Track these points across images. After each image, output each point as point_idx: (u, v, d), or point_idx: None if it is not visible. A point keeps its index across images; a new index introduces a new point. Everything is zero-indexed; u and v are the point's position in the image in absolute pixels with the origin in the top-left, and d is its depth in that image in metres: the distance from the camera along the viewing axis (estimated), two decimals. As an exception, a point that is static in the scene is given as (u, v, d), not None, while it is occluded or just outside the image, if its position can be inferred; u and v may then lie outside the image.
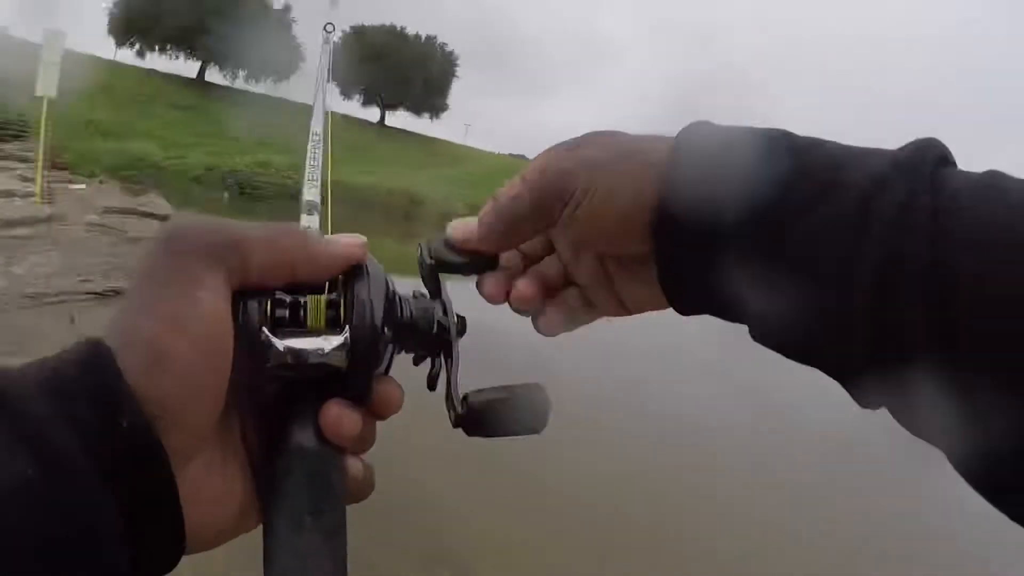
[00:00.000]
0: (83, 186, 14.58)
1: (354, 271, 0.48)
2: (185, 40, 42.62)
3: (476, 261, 0.56)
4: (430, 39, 51.62)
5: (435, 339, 0.52)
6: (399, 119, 52.47)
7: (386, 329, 0.47)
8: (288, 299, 0.46)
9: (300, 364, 0.44)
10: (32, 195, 11.64)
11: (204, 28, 40.44)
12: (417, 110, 51.39)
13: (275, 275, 0.45)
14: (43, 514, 0.33)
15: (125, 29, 43.61)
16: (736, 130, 0.48)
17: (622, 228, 0.49)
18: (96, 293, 7.53)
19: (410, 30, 51.38)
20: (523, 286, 0.57)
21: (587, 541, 4.69)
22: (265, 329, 0.44)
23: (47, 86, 11.32)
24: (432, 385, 0.52)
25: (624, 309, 0.58)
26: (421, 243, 0.56)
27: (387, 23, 51.32)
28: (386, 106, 50.54)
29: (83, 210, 11.60)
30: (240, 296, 0.44)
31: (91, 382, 0.37)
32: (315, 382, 0.45)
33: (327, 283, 0.48)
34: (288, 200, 25.94)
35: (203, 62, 44.65)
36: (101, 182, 16.86)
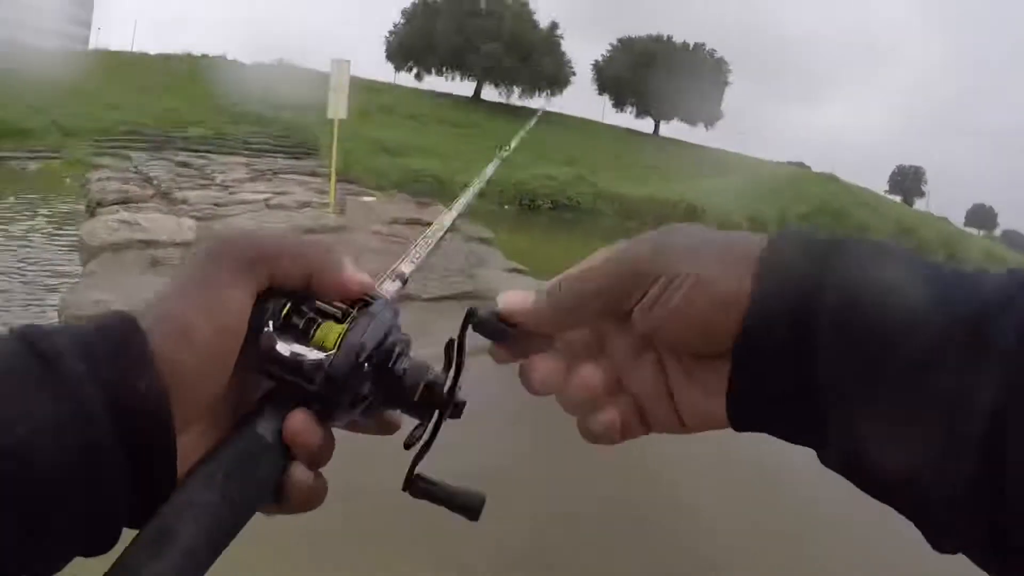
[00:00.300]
0: (373, 198, 15.30)
1: (366, 305, 0.51)
2: (459, 61, 44.69)
3: (523, 337, 0.53)
4: (698, 46, 50.44)
5: (416, 405, 0.52)
6: (673, 129, 51.48)
7: (365, 366, 0.49)
8: (308, 314, 0.49)
9: (279, 363, 0.48)
10: (326, 206, 12.31)
11: (476, 49, 42.07)
12: (690, 119, 50.16)
13: (296, 284, 0.50)
14: (63, 451, 0.38)
15: (402, 54, 46.80)
16: (859, 244, 0.44)
17: (707, 324, 0.46)
18: None
19: (677, 38, 50.66)
20: (589, 374, 0.52)
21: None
22: (270, 327, 0.48)
23: (337, 109, 11.98)
24: (406, 445, 0.52)
25: (682, 425, 0.52)
26: (470, 308, 0.54)
27: (652, 32, 50.90)
28: (659, 117, 49.75)
29: (372, 220, 12.17)
30: (267, 296, 0.49)
31: (118, 343, 0.42)
32: (295, 388, 0.48)
33: (354, 306, 0.51)
34: (567, 211, 26.37)
35: (478, 81, 46.47)
36: (390, 194, 17.76)
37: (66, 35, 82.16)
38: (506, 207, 25.14)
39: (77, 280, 8.06)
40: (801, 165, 50.96)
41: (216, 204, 12.04)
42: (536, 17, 47.06)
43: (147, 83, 32.78)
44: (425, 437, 0.52)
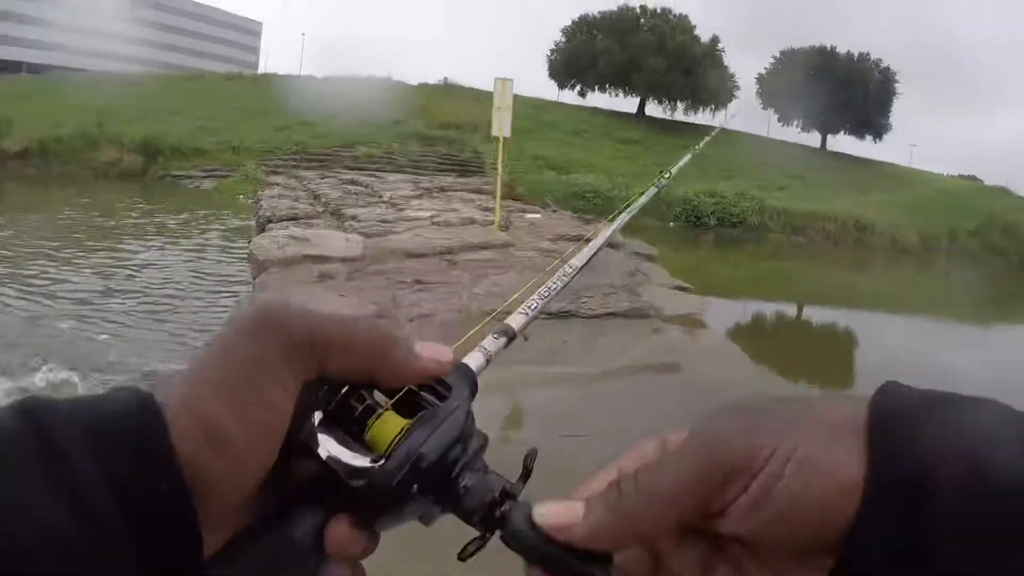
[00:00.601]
0: (537, 215, 15.05)
1: (441, 397, 0.47)
2: (622, 78, 44.38)
3: (577, 559, 0.42)
4: (863, 57, 48.14)
5: (476, 523, 0.46)
6: (840, 142, 49.55)
7: (415, 486, 0.44)
8: (368, 400, 0.46)
9: (321, 464, 0.44)
10: (491, 223, 12.13)
11: (638, 66, 41.47)
12: (858, 132, 48.08)
13: (351, 375, 0.45)
14: (66, 557, 0.33)
15: (565, 72, 47.14)
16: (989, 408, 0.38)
17: (821, 518, 0.37)
18: (549, 313, 7.42)
19: (840, 49, 48.59)
20: None
21: None
22: (316, 419, 0.45)
23: (502, 127, 11.89)
24: (461, 558, 0.47)
25: None
26: (509, 508, 0.45)
27: (815, 44, 49.09)
28: (825, 130, 47.85)
29: (536, 237, 11.92)
30: (317, 383, 0.45)
31: (136, 438, 0.37)
32: (339, 486, 0.44)
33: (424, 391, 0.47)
34: (732, 228, 25.57)
35: (641, 97, 45.80)
36: (554, 211, 17.43)
37: (236, 61, 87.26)
38: (671, 224, 24.60)
39: (247, 293, 8.14)
40: (972, 178, 48.98)
41: (383, 221, 11.96)
42: (697, 32, 46.61)
43: (315, 104, 33.93)
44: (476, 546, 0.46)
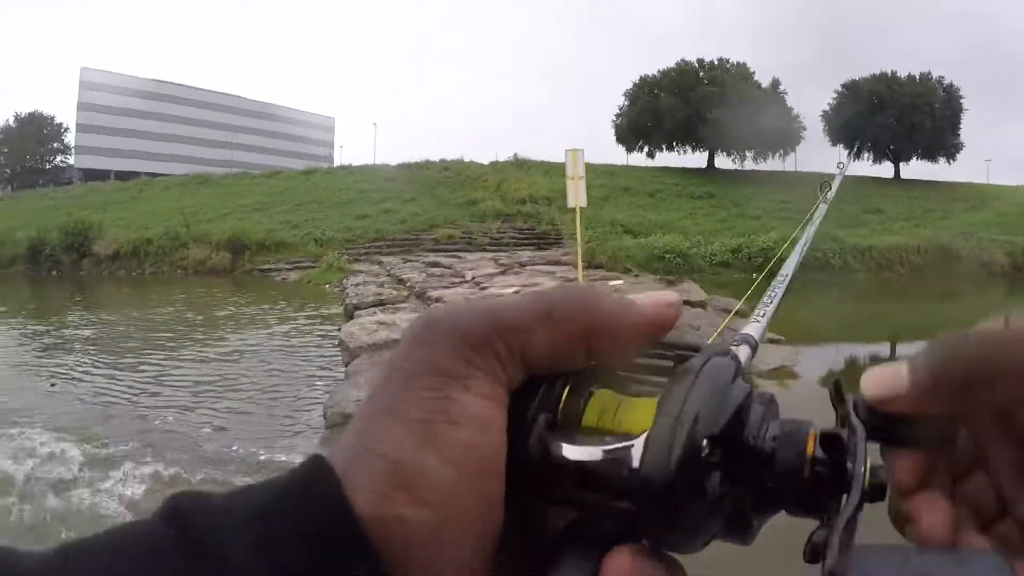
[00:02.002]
0: (620, 281, 14.94)
1: (680, 360, 0.36)
2: (688, 134, 44.46)
3: (915, 430, 0.36)
4: (925, 77, 47.09)
5: (806, 495, 0.34)
6: (914, 169, 48.24)
7: (703, 448, 0.32)
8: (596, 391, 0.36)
9: (563, 478, 0.34)
10: (575, 293, 12.09)
11: (703, 119, 41.47)
12: (931, 156, 46.79)
13: (565, 356, 0.36)
14: None
15: (632, 135, 47.33)
16: None
17: None
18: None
19: (901, 72, 47.59)
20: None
21: None
22: (541, 423, 0.35)
23: (577, 197, 11.92)
24: (813, 557, 0.31)
25: None
26: (835, 381, 0.37)
27: (877, 71, 48.15)
28: (898, 158, 46.83)
29: None
30: (530, 386, 0.35)
31: (307, 521, 0.29)
32: (602, 510, 0.34)
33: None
34: (816, 272, 24.98)
35: (710, 151, 45.72)
36: (636, 275, 17.31)
37: (313, 156, 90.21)
38: (754, 275, 24.17)
39: (340, 380, 8.26)
40: (1056, 182, 46.80)
41: (468, 300, 11.99)
42: (757, 77, 46.54)
43: (392, 191, 34.86)
44: (837, 538, 0.30)
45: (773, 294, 0.86)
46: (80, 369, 9.90)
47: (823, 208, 1.53)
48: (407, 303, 12.84)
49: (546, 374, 0.35)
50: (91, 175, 67.10)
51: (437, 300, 12.18)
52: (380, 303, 12.86)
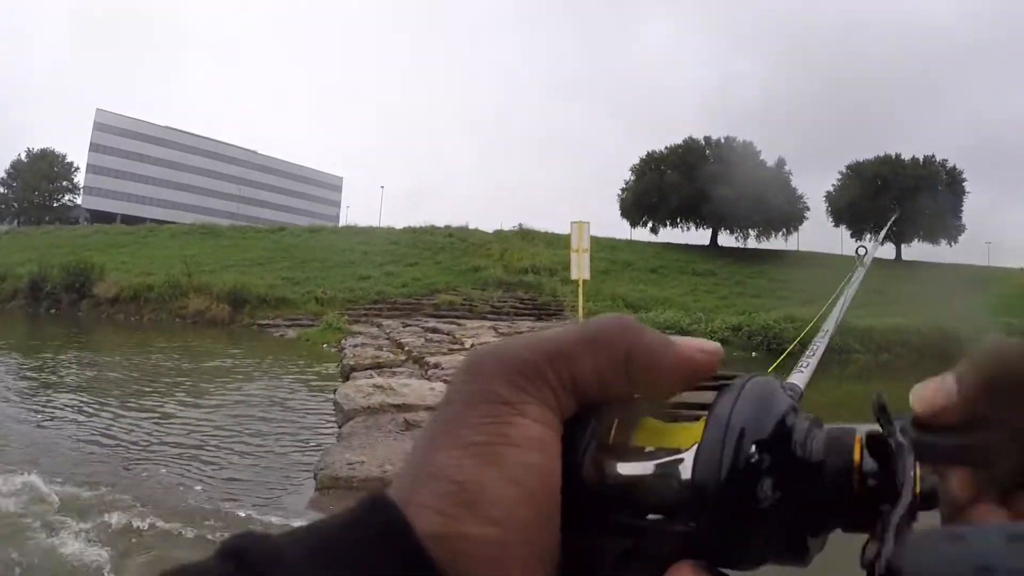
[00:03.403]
0: (619, 356, 14.88)
1: (718, 388, 0.37)
2: (692, 211, 44.89)
3: (965, 443, 0.34)
4: (929, 159, 47.96)
5: (856, 506, 0.34)
6: (915, 251, 48.69)
7: (752, 456, 0.33)
8: (646, 424, 0.37)
9: (616, 497, 0.35)
10: (575, 367, 12.00)
11: (708, 197, 41.81)
12: (932, 239, 47.29)
13: (611, 382, 0.36)
14: None
15: (636, 210, 47.80)
16: None
17: None
18: None
19: (905, 155, 48.45)
20: None
21: None
22: (592, 449, 0.36)
23: (581, 270, 11.88)
24: (870, 570, 0.30)
25: None
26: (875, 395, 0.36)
27: (881, 154, 49.02)
28: (899, 240, 47.18)
29: None
30: (574, 420, 0.36)
31: (370, 547, 0.30)
32: (655, 533, 0.34)
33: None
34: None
35: (713, 228, 45.96)
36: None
37: (318, 214, 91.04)
38: (753, 354, 24.19)
39: (333, 442, 8.13)
40: (1055, 270, 46.92)
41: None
42: (763, 157, 47.15)
43: (395, 254, 35.01)
44: (889, 549, 0.29)
45: (816, 347, 0.88)
46: (72, 409, 9.84)
47: (860, 272, 1.62)
48: (404, 367, 12.76)
49: (596, 404, 0.36)
50: (97, 216, 67.66)
51: (435, 366, 12.11)
52: (378, 366, 12.79)
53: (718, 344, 0.39)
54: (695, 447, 0.33)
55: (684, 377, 0.37)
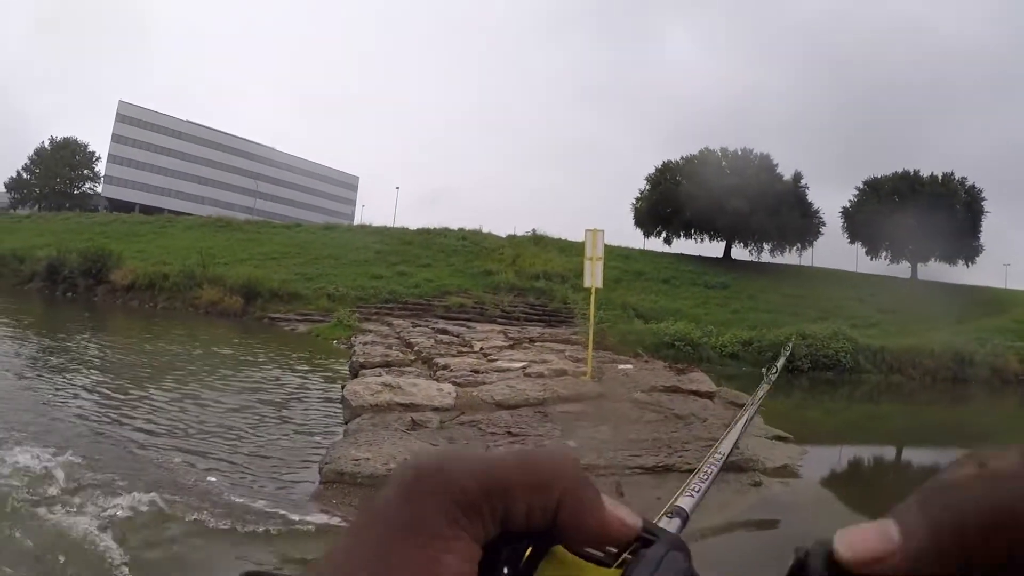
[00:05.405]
0: (630, 365, 14.88)
1: (644, 546, 0.38)
2: (706, 222, 44.61)
3: None
4: (947, 177, 47.20)
5: None
6: (932, 271, 47.87)
7: None
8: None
9: None
10: (583, 374, 12.00)
11: (723, 209, 41.67)
12: (949, 259, 46.50)
13: (536, 521, 0.37)
14: None
15: (650, 220, 47.46)
16: None
17: None
18: (645, 468, 7.42)
19: (924, 171, 47.81)
20: None
21: None
22: None
23: (594, 278, 11.89)
24: None
25: None
26: (798, 549, 0.35)
27: (899, 170, 48.48)
28: (915, 259, 46.80)
29: (630, 388, 11.75)
30: (499, 542, 0.37)
31: None
32: None
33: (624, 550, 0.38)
34: (827, 370, 24.82)
35: (727, 240, 45.82)
36: (646, 361, 17.25)
37: (334, 212, 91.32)
38: (763, 370, 24.09)
39: (339, 436, 8.28)
40: (1073, 291, 45.97)
41: (475, 371, 12.01)
42: (779, 170, 46.70)
43: (408, 255, 35.10)
44: None
45: (709, 470, 0.82)
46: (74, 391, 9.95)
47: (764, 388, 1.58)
48: (413, 367, 12.85)
49: (514, 535, 0.37)
50: (117, 206, 68.03)
51: (444, 368, 12.17)
52: (387, 364, 12.88)
53: (638, 519, 0.38)
54: None
55: (602, 540, 0.37)
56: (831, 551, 0.33)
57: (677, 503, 0.61)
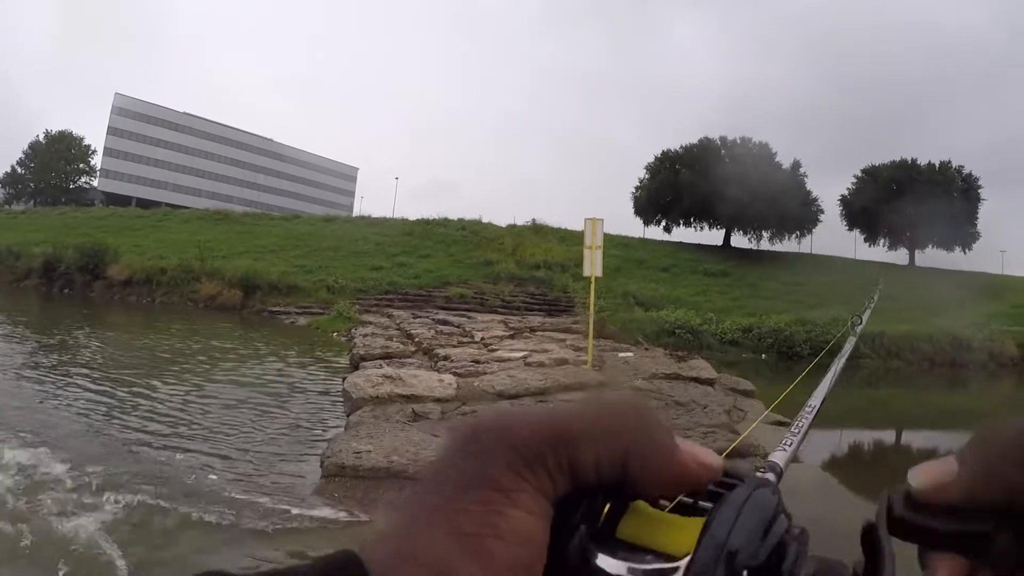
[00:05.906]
0: (630, 353, 14.83)
1: (728, 489, 0.37)
2: (706, 211, 44.55)
3: (956, 530, 0.36)
4: (945, 166, 47.30)
5: None
6: (929, 257, 47.87)
7: None
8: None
9: None
10: (584, 362, 11.95)
11: (723, 197, 41.59)
12: (946, 245, 46.58)
13: (607, 471, 0.35)
14: None
15: (650, 209, 47.39)
16: None
17: None
18: None
19: (921, 160, 47.83)
20: None
21: None
22: (582, 533, 0.35)
23: (593, 267, 11.83)
24: None
25: None
26: (883, 494, 0.38)
27: (897, 159, 48.45)
28: (913, 246, 46.80)
29: (631, 376, 11.72)
30: (566, 501, 0.35)
31: None
32: None
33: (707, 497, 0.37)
34: (826, 356, 24.71)
35: (726, 228, 45.79)
36: (646, 349, 17.19)
37: (333, 204, 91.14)
38: (763, 356, 24.09)
39: (340, 429, 8.26)
40: (1069, 276, 46.02)
41: (476, 361, 11.95)
42: (778, 159, 46.66)
43: (408, 245, 35.01)
44: None
45: (801, 423, 0.87)
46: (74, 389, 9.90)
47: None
48: (414, 358, 12.80)
49: (590, 490, 0.35)
50: (113, 199, 67.88)
51: (445, 359, 12.13)
52: (387, 356, 12.82)
53: (719, 459, 0.38)
54: (687, 560, 0.32)
55: (679, 486, 0.37)
56: (908, 490, 0.36)
57: (770, 458, 0.60)
